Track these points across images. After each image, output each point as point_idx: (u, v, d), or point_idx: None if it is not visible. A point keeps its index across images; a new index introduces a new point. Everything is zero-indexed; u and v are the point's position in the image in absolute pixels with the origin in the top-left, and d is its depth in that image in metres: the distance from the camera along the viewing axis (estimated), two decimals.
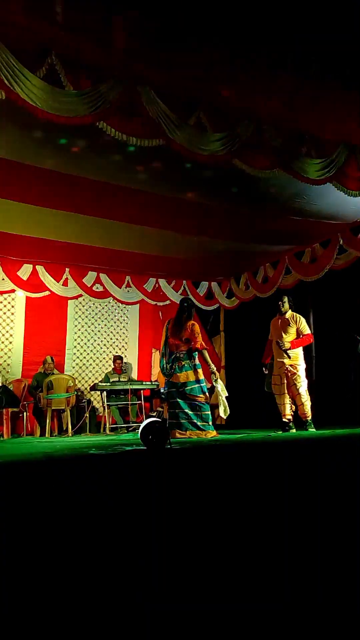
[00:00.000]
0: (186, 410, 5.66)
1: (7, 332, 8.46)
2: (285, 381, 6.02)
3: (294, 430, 5.99)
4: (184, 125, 4.03)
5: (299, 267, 7.41)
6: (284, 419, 6.04)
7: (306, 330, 6.14)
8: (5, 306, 8.51)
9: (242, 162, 4.44)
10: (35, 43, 3.48)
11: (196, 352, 5.84)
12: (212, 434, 5.62)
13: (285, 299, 6.24)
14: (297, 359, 6.04)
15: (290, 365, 6.01)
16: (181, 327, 5.85)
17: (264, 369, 6.58)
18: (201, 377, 5.81)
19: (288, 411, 6.03)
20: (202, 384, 5.78)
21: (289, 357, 5.97)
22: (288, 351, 5.98)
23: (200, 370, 5.82)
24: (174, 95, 3.96)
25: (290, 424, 6.05)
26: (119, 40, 3.58)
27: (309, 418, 6.00)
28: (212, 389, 6.16)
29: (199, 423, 5.64)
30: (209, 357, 5.94)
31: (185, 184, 5.38)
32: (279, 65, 4.11)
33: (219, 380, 6.09)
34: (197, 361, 5.84)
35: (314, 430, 5.91)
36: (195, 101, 4.11)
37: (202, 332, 6.09)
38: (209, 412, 5.80)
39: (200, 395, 5.73)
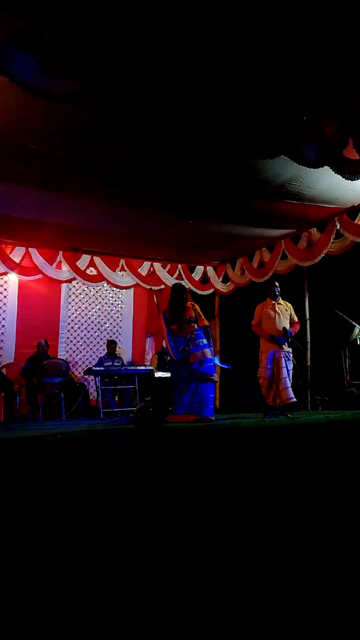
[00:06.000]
0: (192, 393, 5.64)
1: (0, 315, 8.38)
2: (283, 365, 5.94)
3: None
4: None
5: (296, 251, 7.35)
6: (281, 404, 5.93)
7: (296, 317, 6.26)
8: None
9: None
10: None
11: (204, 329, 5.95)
12: (209, 419, 5.60)
13: (278, 285, 6.22)
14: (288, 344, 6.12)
15: (286, 351, 5.99)
16: (180, 310, 5.83)
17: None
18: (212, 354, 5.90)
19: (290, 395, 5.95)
20: (214, 362, 5.90)
21: (288, 344, 6.01)
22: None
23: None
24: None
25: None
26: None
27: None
28: None
29: (200, 407, 5.62)
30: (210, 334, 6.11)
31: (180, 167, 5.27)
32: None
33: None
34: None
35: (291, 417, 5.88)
36: None
37: None
38: (213, 396, 5.81)
39: (214, 374, 5.81)
